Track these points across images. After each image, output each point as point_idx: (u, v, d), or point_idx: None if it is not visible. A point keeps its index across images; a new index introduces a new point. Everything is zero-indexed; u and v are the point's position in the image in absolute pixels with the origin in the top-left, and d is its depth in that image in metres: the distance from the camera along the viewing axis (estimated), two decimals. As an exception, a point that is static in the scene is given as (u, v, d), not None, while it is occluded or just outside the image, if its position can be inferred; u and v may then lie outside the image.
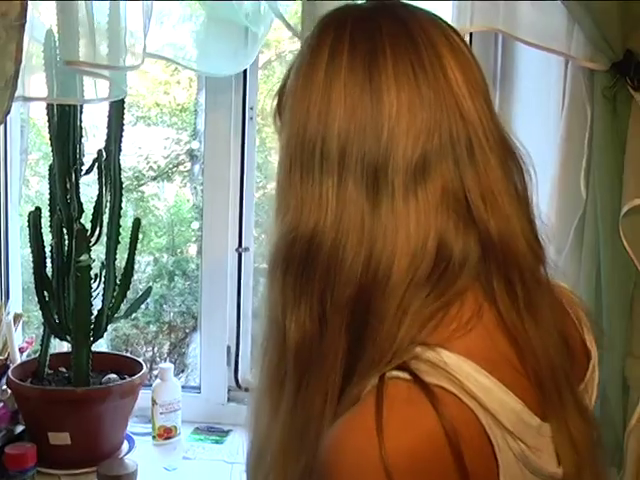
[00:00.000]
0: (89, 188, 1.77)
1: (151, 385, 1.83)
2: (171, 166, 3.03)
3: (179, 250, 2.97)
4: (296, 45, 2.77)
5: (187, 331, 3.00)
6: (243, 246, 1.94)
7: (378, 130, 0.71)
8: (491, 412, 0.67)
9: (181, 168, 3.05)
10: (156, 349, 2.95)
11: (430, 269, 0.71)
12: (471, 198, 0.73)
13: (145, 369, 1.72)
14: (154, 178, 2.95)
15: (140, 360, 1.78)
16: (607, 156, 1.39)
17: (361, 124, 0.72)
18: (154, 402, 1.80)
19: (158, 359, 2.90)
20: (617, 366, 1.42)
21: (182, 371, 2.70)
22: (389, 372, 0.67)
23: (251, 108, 1.91)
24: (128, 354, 2.09)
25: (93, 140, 1.84)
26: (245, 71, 1.87)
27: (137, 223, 1.73)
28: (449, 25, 0.79)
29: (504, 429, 0.68)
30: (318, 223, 0.72)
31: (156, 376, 1.89)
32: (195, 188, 2.99)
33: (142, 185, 2.90)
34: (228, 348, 1.96)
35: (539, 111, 1.61)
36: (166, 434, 1.82)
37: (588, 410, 0.79)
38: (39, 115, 1.74)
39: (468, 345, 0.70)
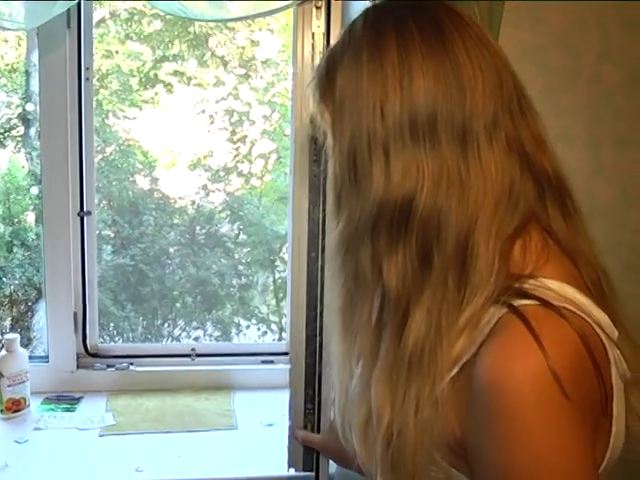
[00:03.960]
0: None
1: (-5, 358, 1.78)
2: (2, 131, 2.89)
3: (16, 219, 2.85)
4: (130, 3, 2.71)
5: (29, 303, 2.90)
6: (85, 210, 1.90)
7: (462, 93, 0.80)
8: (602, 327, 0.78)
9: (14, 133, 2.92)
10: (-4, 324, 2.84)
11: (506, 208, 0.81)
12: (527, 143, 0.83)
13: (-10, 341, 1.66)
14: (-16, 145, 2.82)
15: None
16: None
17: (446, 90, 0.80)
18: (0, 375, 1.74)
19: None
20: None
21: (27, 345, 2.61)
22: (515, 301, 0.76)
23: (87, 68, 1.86)
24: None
25: None
26: (79, 30, 1.82)
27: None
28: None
29: (611, 341, 0.79)
30: (417, 185, 0.79)
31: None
32: (30, 154, 2.88)
33: (-29, 153, 2.77)
34: (75, 315, 1.92)
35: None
36: (15, 407, 1.77)
37: None
38: None
39: (555, 270, 0.81)
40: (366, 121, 0.82)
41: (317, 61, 1.64)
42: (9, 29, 1.76)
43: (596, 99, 1.63)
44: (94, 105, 1.94)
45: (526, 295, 0.77)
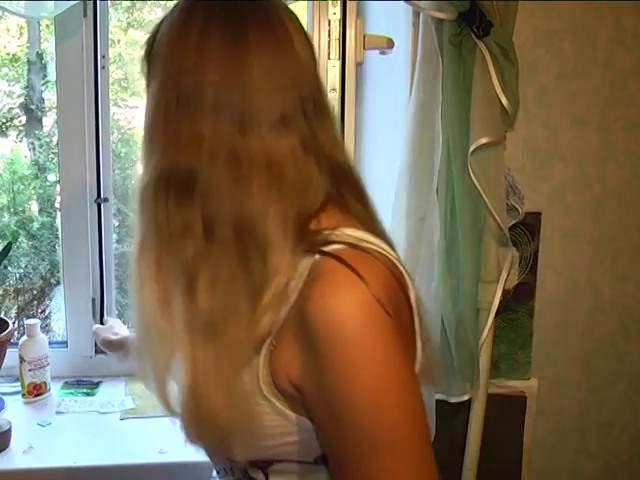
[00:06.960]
0: None
1: (16, 344, 1.79)
2: (4, 120, 2.89)
3: (21, 209, 2.86)
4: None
5: (35, 292, 2.91)
6: (102, 197, 1.91)
7: (246, 91, 0.84)
8: (399, 260, 0.90)
9: (15, 122, 2.92)
10: (2, 314, 2.84)
11: (305, 199, 0.88)
12: (325, 144, 0.90)
13: (12, 326, 1.68)
14: (-15, 134, 2.82)
15: (5, 318, 1.73)
16: (456, 99, 1.48)
17: (230, 84, 0.84)
18: (22, 359, 1.76)
19: (5, 323, 2.80)
20: (470, 291, 1.55)
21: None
22: (325, 248, 0.84)
23: (103, 56, 1.87)
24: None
25: None
26: (95, 18, 1.83)
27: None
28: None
29: (406, 271, 0.90)
30: (195, 158, 0.84)
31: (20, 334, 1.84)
32: (33, 143, 2.88)
33: (-27, 142, 2.77)
34: (93, 301, 1.94)
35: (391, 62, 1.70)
36: (36, 391, 1.79)
37: None
38: None
39: (352, 223, 0.90)
40: (168, 80, 0.87)
41: (333, 48, 1.68)
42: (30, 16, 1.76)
43: (609, 84, 1.66)
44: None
45: (332, 242, 0.84)
